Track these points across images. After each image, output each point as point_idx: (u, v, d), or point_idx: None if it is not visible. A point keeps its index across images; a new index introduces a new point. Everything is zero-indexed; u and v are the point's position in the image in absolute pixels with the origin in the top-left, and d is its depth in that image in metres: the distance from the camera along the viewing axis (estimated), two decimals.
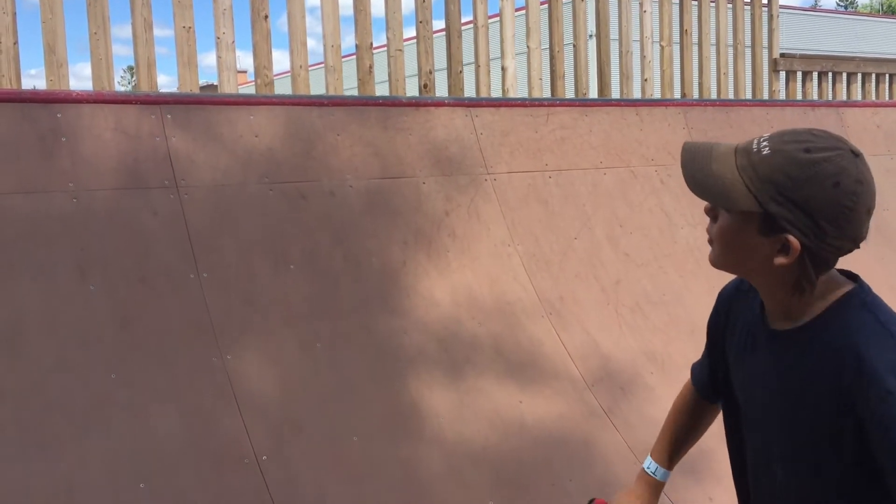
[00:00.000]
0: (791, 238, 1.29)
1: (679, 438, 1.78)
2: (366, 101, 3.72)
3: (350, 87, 5.07)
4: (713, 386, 1.69)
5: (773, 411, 1.45)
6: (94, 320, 2.75)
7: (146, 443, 2.59)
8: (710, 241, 1.41)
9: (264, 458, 2.71)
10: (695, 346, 3.93)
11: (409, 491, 2.90)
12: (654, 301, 3.98)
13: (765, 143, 1.32)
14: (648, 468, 1.76)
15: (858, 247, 1.33)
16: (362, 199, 3.48)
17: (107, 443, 2.55)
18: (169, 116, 3.19)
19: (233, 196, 3.20)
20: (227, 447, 2.68)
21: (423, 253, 3.54)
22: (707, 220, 1.42)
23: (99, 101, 3.13)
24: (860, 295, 1.37)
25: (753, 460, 1.57)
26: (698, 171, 1.36)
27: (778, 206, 1.29)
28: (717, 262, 1.43)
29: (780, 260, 1.32)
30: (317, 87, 4.75)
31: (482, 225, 3.75)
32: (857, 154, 1.30)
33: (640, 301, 3.93)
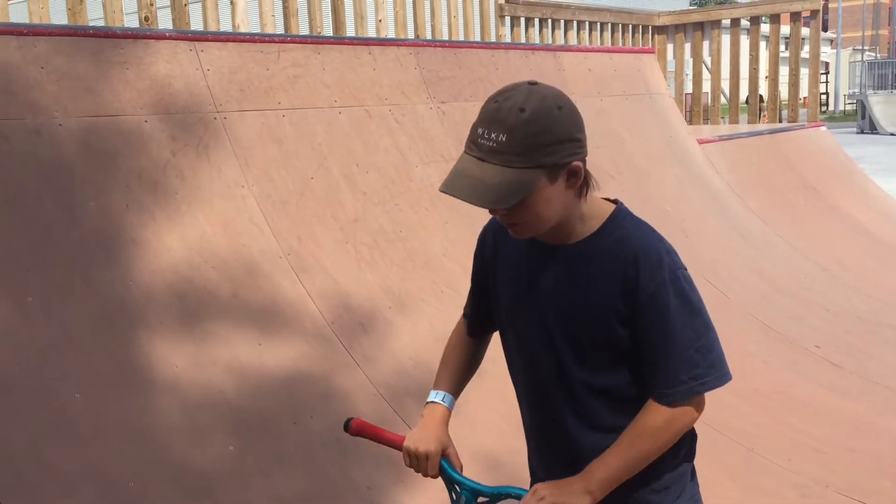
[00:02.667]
0: (575, 164, 1.52)
1: (461, 369, 1.88)
2: (74, 31, 3.39)
3: (59, 19, 4.60)
4: (479, 322, 1.87)
5: (552, 316, 1.64)
6: None
7: None
8: (512, 225, 1.58)
9: None
10: (431, 278, 4.10)
11: (144, 446, 2.77)
12: (391, 238, 4.06)
13: (491, 133, 1.48)
14: (436, 398, 1.81)
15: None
16: (75, 139, 3.19)
17: None
18: None
19: None
20: None
21: (148, 196, 3.32)
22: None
23: None
24: (624, 209, 1.66)
25: (531, 377, 1.73)
26: (484, 192, 1.48)
27: (554, 155, 1.49)
28: (527, 231, 1.59)
29: (573, 183, 1.54)
30: (20, 19, 4.26)
31: (213, 165, 3.60)
32: (532, 83, 1.53)
33: (377, 238, 4.00)
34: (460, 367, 1.88)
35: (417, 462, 1.75)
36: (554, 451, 1.74)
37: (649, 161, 6.05)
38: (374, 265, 3.89)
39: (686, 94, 10.84)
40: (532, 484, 1.73)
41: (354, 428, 1.85)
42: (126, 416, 2.81)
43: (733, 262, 5.78)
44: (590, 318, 1.61)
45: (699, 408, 1.62)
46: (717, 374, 1.60)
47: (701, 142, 6.91)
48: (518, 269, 1.69)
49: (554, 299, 1.64)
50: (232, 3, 5.32)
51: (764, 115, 10.89)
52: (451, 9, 6.79)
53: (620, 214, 1.65)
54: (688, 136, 6.80)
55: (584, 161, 1.55)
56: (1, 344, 2.64)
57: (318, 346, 3.44)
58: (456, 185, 1.49)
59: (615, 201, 1.68)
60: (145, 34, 3.60)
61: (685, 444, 1.70)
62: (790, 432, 4.10)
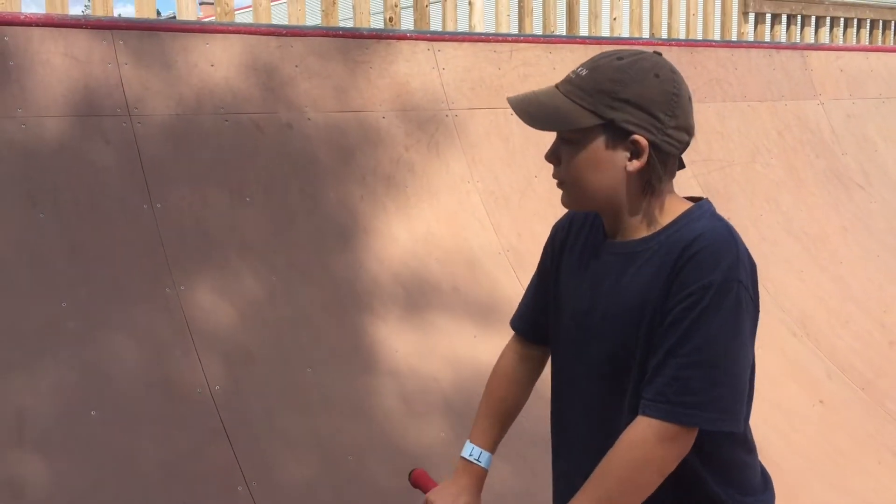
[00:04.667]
0: (638, 137, 1.34)
1: (504, 410, 1.65)
2: (326, 32, 3.66)
3: (313, 20, 4.98)
4: (536, 323, 1.63)
5: (607, 325, 1.42)
6: (43, 247, 2.73)
7: (97, 371, 2.60)
8: (560, 184, 1.43)
9: (217, 388, 2.73)
10: None
11: (361, 422, 2.95)
12: None
13: (581, 69, 1.38)
14: (471, 455, 1.61)
15: (692, 137, 1.40)
16: (320, 133, 3.45)
17: (57, 369, 2.55)
18: (121, 42, 3.12)
19: (187, 126, 3.15)
20: (180, 377, 2.70)
21: (381, 188, 3.53)
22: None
23: (48, 24, 3.04)
24: (708, 206, 1.43)
25: (568, 376, 1.53)
26: (531, 107, 1.40)
27: (616, 112, 1.34)
28: (572, 198, 1.43)
29: (633, 165, 1.36)
30: (280, 20, 4.65)
31: (442, 161, 3.74)
32: (659, 53, 1.41)
33: None
34: (505, 409, 1.65)
35: None
36: (585, 456, 1.46)
37: None
38: None
39: None
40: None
41: (415, 479, 1.69)
42: (349, 394, 3.00)
43: None
44: (635, 318, 1.37)
45: (683, 441, 1.31)
46: (716, 416, 1.30)
47: None
48: (585, 269, 1.48)
49: (611, 312, 1.41)
50: (470, 3, 5.48)
51: None
52: (691, 6, 6.55)
53: (698, 211, 1.40)
54: None
55: (659, 148, 1.35)
56: (248, 319, 2.92)
57: None
58: (517, 97, 1.42)
59: (699, 200, 1.44)
60: (388, 35, 3.81)
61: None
62: None
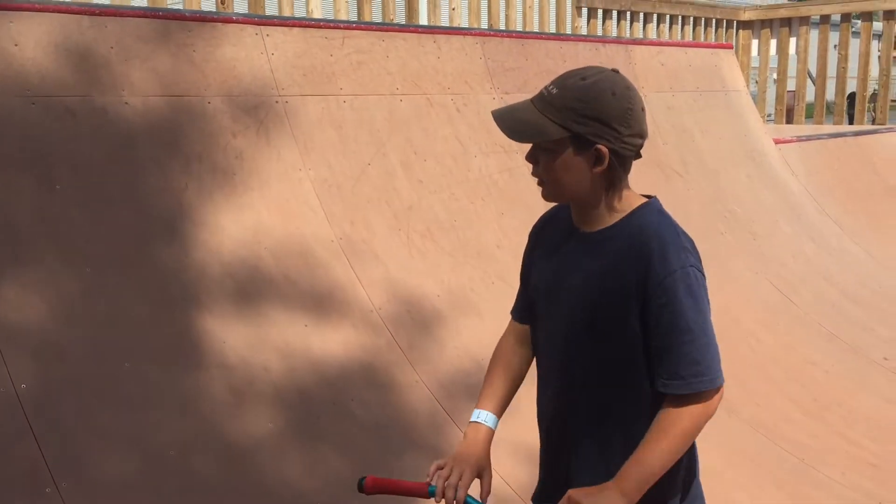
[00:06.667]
0: (600, 147, 1.63)
1: (506, 383, 1.89)
2: (144, 13, 3.50)
3: (140, 1, 4.75)
4: (526, 307, 1.90)
5: (573, 296, 1.71)
6: None
7: None
8: (541, 182, 1.72)
9: (23, 386, 2.57)
10: (482, 268, 4.09)
11: (186, 416, 2.87)
12: (445, 227, 4.08)
13: (551, 87, 1.66)
14: (478, 418, 1.83)
15: (645, 139, 1.70)
16: (139, 118, 3.30)
17: None
18: None
19: None
20: None
21: (207, 175, 3.42)
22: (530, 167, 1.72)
23: None
24: (656, 204, 1.74)
25: (551, 363, 1.79)
26: (511, 122, 1.68)
27: (581, 126, 1.63)
28: (551, 194, 1.73)
29: (597, 169, 1.65)
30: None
31: (272, 148, 3.68)
32: (616, 71, 1.69)
33: (431, 227, 4.02)
34: (506, 381, 1.89)
35: (447, 486, 1.68)
36: (562, 444, 1.77)
37: (720, 160, 5.90)
38: (425, 253, 3.92)
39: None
40: (541, 483, 1.74)
41: (370, 486, 1.71)
42: (173, 388, 2.91)
43: (803, 267, 5.59)
44: (606, 303, 1.67)
45: (709, 403, 1.63)
46: (713, 375, 1.63)
47: (778, 142, 6.69)
48: (555, 253, 1.79)
49: (577, 285, 1.71)
50: None
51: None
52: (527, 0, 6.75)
53: (648, 207, 1.72)
54: (764, 136, 6.59)
55: (618, 153, 1.65)
56: (59, 314, 2.77)
57: (363, 330, 3.49)
58: (500, 111, 1.69)
59: (650, 197, 1.75)
60: (212, 17, 3.70)
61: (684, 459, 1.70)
62: (847, 445, 3.97)
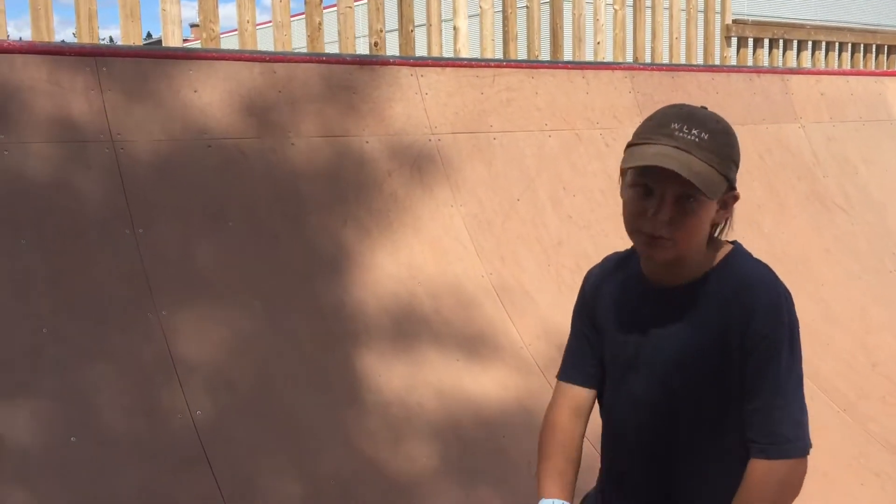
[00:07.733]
0: (738, 193, 1.50)
1: (572, 465, 1.68)
2: (309, 58, 3.69)
3: (299, 46, 5.01)
4: (598, 369, 1.68)
5: (667, 367, 1.54)
6: (25, 274, 2.73)
7: (78, 397, 2.59)
8: (658, 239, 1.45)
9: (198, 413, 2.73)
10: None
11: (347, 451, 2.95)
12: (593, 262, 4.03)
13: (696, 130, 1.42)
14: None
15: None
16: (303, 158, 3.47)
17: (38, 395, 2.54)
18: (104, 69, 3.14)
19: (170, 152, 3.17)
20: (161, 401, 2.69)
21: (364, 212, 3.54)
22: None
23: (32, 51, 3.06)
24: (742, 249, 1.56)
25: (625, 420, 1.62)
26: (695, 175, 1.40)
27: (731, 173, 1.46)
28: (670, 253, 1.47)
29: (721, 215, 1.50)
30: (266, 45, 4.69)
31: (425, 187, 3.77)
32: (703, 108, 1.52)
33: (580, 262, 3.98)
34: (569, 462, 1.67)
35: None
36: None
37: (887, 193, 5.56)
38: (574, 288, 3.88)
39: None
40: None
41: None
42: (333, 423, 3.00)
43: None
44: (705, 371, 1.49)
45: (802, 470, 1.49)
46: (808, 439, 1.49)
47: None
48: (634, 317, 1.58)
49: (670, 357, 1.53)
50: (455, 28, 5.53)
51: None
52: (673, 30, 6.63)
53: (737, 254, 1.55)
54: None
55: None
56: (231, 345, 2.92)
57: (515, 370, 3.49)
58: (665, 162, 1.39)
59: (733, 243, 1.59)
60: (371, 60, 3.84)
61: None
62: None
